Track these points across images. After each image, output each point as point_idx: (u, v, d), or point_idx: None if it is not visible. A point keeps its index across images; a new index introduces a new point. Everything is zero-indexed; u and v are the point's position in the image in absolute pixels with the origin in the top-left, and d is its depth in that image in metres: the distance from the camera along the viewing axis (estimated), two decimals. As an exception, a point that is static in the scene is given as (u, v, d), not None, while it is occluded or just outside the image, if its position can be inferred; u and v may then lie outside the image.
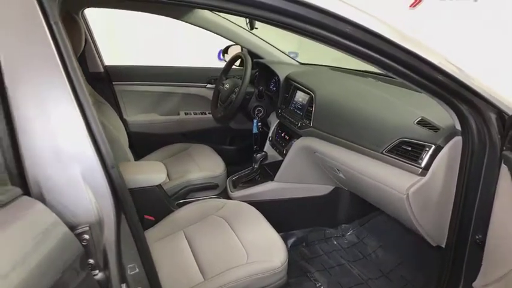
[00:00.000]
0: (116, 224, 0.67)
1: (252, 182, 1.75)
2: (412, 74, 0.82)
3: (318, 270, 1.60)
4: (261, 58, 2.08)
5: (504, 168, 0.85)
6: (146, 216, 1.43)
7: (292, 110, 1.71)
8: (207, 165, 1.83)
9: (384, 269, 1.61)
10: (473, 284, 1.00)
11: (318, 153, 1.49)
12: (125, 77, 2.09)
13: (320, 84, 1.62)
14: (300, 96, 1.68)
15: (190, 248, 1.23)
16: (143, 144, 2.05)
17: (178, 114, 2.20)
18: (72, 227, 0.60)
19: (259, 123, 1.94)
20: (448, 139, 0.99)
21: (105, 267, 0.66)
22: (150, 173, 1.44)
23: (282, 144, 1.74)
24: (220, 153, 1.95)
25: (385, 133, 1.18)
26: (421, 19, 2.70)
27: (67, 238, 0.58)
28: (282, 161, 1.71)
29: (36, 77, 0.59)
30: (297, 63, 2.11)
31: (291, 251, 1.72)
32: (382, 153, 1.17)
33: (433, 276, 1.20)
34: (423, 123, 1.10)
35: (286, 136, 1.74)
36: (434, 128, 1.06)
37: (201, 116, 2.23)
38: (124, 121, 2.02)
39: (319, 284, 1.53)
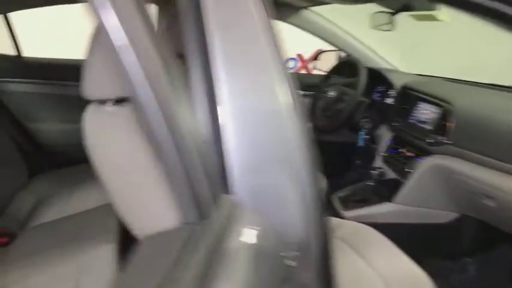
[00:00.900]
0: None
1: (365, 201, 1.56)
2: None
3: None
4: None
5: None
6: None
7: (414, 123, 1.52)
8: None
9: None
10: None
11: (458, 175, 1.28)
12: None
13: (454, 95, 1.41)
14: (426, 108, 1.48)
15: None
16: None
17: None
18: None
19: (367, 136, 1.76)
20: None
21: None
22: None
23: (402, 162, 1.54)
24: None
25: None
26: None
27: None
28: (397, 179, 1.52)
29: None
30: (407, 73, 1.92)
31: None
32: None
33: None
34: None
35: (407, 153, 1.54)
36: None
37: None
38: None
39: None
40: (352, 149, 1.94)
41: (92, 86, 0.61)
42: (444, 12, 1.39)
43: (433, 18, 1.43)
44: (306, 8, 1.83)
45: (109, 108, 0.63)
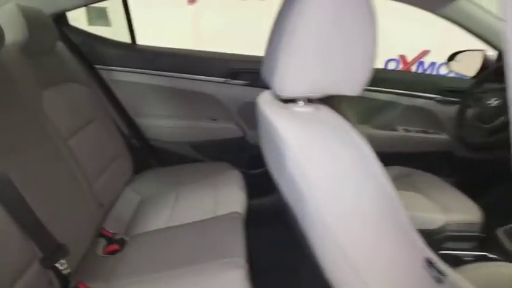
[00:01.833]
0: None
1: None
2: None
3: None
4: None
5: None
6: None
7: None
8: (453, 205, 1.35)
9: None
10: None
11: None
12: None
13: None
14: None
15: None
16: None
17: (396, 130, 1.77)
18: None
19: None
20: None
21: None
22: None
23: None
24: None
25: None
26: None
27: None
28: None
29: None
30: None
31: None
32: None
33: None
34: None
35: None
36: None
37: (424, 135, 1.77)
38: None
39: None
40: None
41: (288, 83, 0.63)
42: None
43: None
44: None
45: (300, 108, 0.68)
